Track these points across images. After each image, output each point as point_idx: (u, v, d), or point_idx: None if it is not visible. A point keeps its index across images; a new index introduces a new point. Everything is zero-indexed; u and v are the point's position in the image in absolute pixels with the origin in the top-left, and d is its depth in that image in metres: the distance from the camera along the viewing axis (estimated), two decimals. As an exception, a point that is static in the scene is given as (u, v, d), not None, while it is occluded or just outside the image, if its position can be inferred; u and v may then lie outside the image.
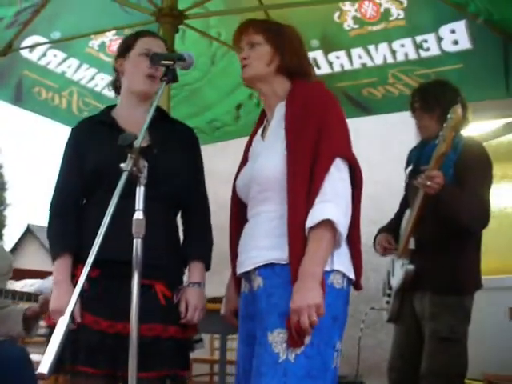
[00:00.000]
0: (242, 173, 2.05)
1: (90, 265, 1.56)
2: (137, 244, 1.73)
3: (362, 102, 4.00)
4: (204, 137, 4.53)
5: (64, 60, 3.96)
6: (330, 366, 1.79)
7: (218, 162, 5.91)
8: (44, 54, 3.90)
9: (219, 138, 4.60)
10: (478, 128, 5.08)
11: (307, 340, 1.74)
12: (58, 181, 2.19)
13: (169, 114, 2.42)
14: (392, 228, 3.09)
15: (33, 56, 3.89)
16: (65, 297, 1.94)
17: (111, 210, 1.62)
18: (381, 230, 3.12)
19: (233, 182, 2.08)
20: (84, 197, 2.17)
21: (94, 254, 1.57)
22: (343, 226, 1.78)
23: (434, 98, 2.89)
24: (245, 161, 2.08)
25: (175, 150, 2.20)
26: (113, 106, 2.32)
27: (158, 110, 2.24)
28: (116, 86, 2.33)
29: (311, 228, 1.76)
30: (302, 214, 1.78)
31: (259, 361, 1.79)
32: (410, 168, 3.04)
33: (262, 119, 2.12)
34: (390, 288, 2.97)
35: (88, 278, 1.81)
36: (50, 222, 2.17)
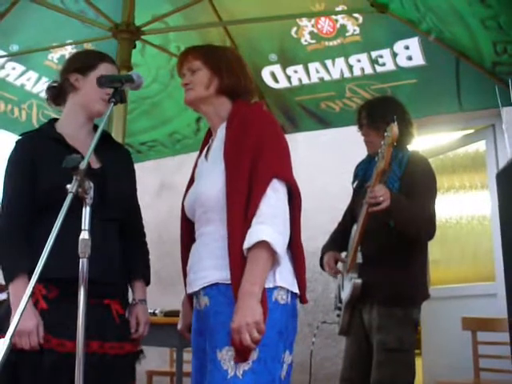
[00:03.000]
0: (188, 194, 2.10)
1: (33, 283, 1.57)
2: (83, 264, 1.75)
3: (321, 115, 4.07)
4: (165, 150, 4.57)
5: (23, 73, 3.95)
6: (275, 379, 1.83)
7: (177, 176, 5.94)
8: (2, 67, 3.89)
9: (180, 150, 4.61)
10: (436, 141, 5.20)
11: (254, 355, 1.78)
12: (7, 199, 2.13)
13: (110, 134, 2.42)
14: (337, 243, 3.12)
15: (-10, 69, 3.88)
16: (29, 318, 1.94)
17: (56, 230, 1.64)
18: (326, 249, 3.13)
19: (181, 202, 2.12)
20: (34, 215, 2.11)
21: (38, 273, 1.58)
22: (280, 246, 1.82)
23: (380, 115, 2.93)
24: (192, 181, 2.13)
25: (123, 172, 2.26)
26: (55, 120, 2.29)
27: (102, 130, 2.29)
28: (54, 93, 2.30)
29: (249, 249, 1.81)
30: (240, 235, 1.82)
31: (210, 378, 1.83)
32: (356, 182, 3.09)
33: (208, 139, 2.17)
34: (341, 301, 3.01)
35: (46, 299, 1.97)
36: (1, 243, 2.10)
